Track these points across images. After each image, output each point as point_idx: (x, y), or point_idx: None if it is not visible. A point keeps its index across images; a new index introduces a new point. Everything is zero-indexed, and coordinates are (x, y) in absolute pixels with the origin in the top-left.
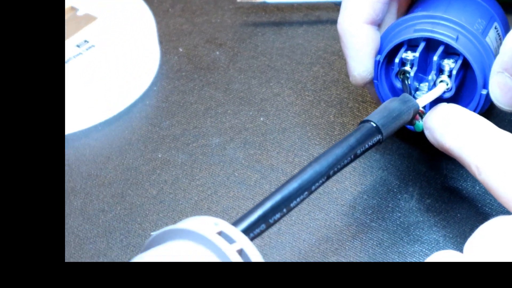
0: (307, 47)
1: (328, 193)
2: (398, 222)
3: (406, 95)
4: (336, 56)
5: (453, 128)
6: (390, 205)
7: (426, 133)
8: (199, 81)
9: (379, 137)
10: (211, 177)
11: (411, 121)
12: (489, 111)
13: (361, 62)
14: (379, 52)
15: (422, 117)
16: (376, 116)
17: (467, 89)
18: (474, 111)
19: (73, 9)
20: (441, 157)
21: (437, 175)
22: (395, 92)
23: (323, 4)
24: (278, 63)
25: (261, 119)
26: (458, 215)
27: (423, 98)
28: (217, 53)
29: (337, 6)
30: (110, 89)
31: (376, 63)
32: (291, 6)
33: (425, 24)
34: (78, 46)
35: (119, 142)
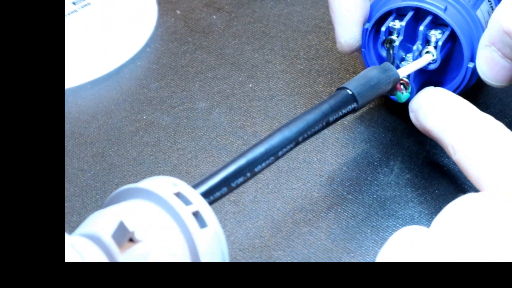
0: (304, 15)
1: (308, 163)
2: (375, 196)
3: (387, 64)
4: (331, 25)
5: (435, 110)
6: (368, 178)
7: (411, 115)
8: (193, 45)
9: (354, 105)
10: (193, 141)
11: (392, 91)
12: (480, 88)
13: (348, 29)
14: (368, 20)
15: (406, 88)
16: (353, 84)
17: (454, 62)
18: (460, 84)
19: None
20: None
21: (419, 150)
22: (383, 61)
23: None
24: (274, 30)
25: (250, 85)
26: (436, 191)
27: (405, 68)
28: (214, 17)
29: None
30: (102, 49)
31: (364, 31)
32: None
33: None
34: (74, 3)
35: (106, 102)
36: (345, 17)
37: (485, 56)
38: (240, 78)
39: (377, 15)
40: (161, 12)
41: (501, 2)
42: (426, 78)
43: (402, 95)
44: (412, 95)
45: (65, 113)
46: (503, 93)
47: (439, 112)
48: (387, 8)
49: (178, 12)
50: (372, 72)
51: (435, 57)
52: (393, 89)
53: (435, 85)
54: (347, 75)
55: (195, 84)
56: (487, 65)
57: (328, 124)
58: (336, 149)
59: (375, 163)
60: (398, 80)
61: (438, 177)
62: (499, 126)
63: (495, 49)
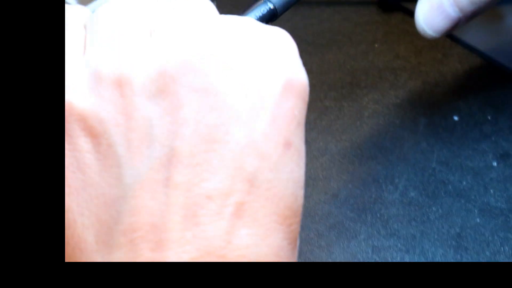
0: (319, 28)
1: (314, 180)
2: (378, 215)
3: None
4: (347, 38)
5: None
6: (373, 196)
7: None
8: None
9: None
10: None
11: None
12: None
13: None
14: None
15: None
16: None
17: None
18: None
19: None
20: (433, 149)
21: (426, 167)
22: None
23: None
24: None
25: None
26: (440, 210)
27: None
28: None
29: None
30: None
31: None
32: None
33: None
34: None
35: None
36: None
37: (432, 2)
38: None
39: None
40: None
41: None
42: None
43: None
44: None
45: None
46: None
47: None
48: None
49: None
50: None
51: None
52: None
53: None
54: (358, 90)
55: None
56: (432, 11)
57: None
58: (342, 166)
59: (380, 180)
60: None
61: (442, 196)
62: None
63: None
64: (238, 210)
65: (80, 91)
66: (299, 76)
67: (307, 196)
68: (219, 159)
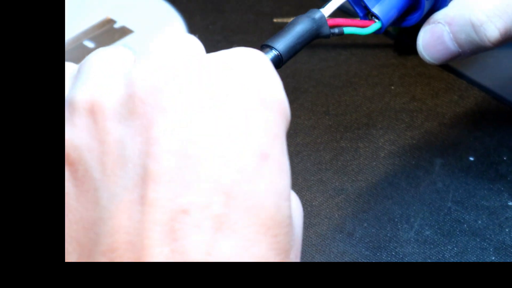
0: (336, 70)
1: (329, 219)
2: (393, 253)
3: (312, 9)
4: (364, 81)
5: None
6: (388, 234)
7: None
8: None
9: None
10: None
11: (328, 35)
12: None
13: None
14: None
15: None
16: (279, 43)
17: None
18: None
19: (110, 21)
20: (448, 189)
21: (441, 207)
22: None
23: None
24: (306, 85)
25: None
26: (455, 249)
27: (328, 6)
28: None
29: None
30: None
31: None
32: None
33: None
34: None
35: None
36: None
37: (433, 31)
38: None
39: None
40: None
41: None
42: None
43: (370, 27)
44: (388, 21)
45: None
46: None
47: None
48: None
49: None
50: (298, 26)
51: None
52: (329, 33)
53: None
54: (374, 131)
55: None
56: (432, 41)
57: None
58: (358, 205)
59: (396, 219)
60: (324, 20)
61: (457, 234)
62: None
63: (448, 30)
64: (216, 223)
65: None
66: (274, 90)
67: (322, 235)
68: (193, 174)
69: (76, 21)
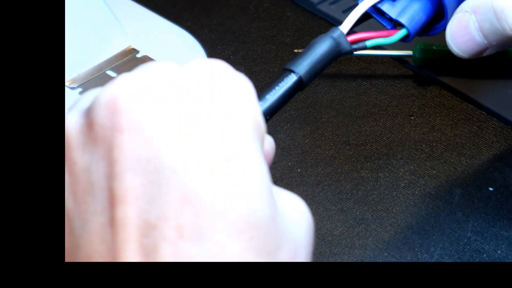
0: (357, 100)
1: (350, 248)
2: None
3: (333, 28)
4: (384, 111)
5: None
6: None
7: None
8: None
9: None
10: None
11: (350, 51)
12: None
13: None
14: None
15: (394, 27)
16: (299, 66)
17: None
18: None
19: (133, 50)
20: (468, 219)
21: (461, 237)
22: None
23: (380, 58)
24: (326, 115)
25: (298, 170)
26: None
27: (346, 22)
28: None
29: (394, 61)
30: None
31: None
32: (348, 58)
33: None
34: None
35: None
36: None
37: (460, 20)
38: (290, 163)
39: None
40: None
41: None
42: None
43: (394, 36)
44: (415, 28)
45: None
46: None
47: None
48: None
49: None
50: (318, 48)
51: None
52: (350, 50)
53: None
54: (394, 161)
55: None
56: (458, 31)
57: None
58: (378, 235)
59: (416, 249)
60: (344, 36)
61: None
62: None
63: (474, 19)
64: (183, 232)
65: None
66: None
67: None
68: (157, 187)
69: (99, 50)
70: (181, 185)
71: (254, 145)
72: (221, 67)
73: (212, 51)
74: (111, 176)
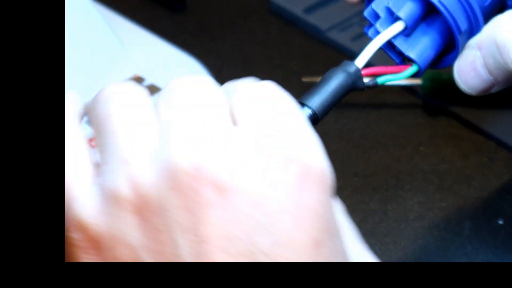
0: (366, 130)
1: None
2: None
3: (346, 62)
4: (393, 141)
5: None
6: None
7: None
8: None
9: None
10: None
11: (363, 88)
12: None
13: None
14: None
15: (378, 76)
16: (313, 100)
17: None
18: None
19: (139, 79)
20: (477, 252)
21: None
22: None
23: (389, 87)
24: (335, 145)
25: None
26: None
27: (361, 57)
28: None
29: (403, 90)
30: None
31: None
32: None
33: None
34: None
35: None
36: None
37: (467, 57)
38: None
39: None
40: None
41: (505, 13)
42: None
43: (405, 72)
44: (426, 63)
45: None
46: None
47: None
48: None
49: None
50: (331, 82)
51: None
52: (363, 86)
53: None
54: (403, 193)
55: None
56: (464, 67)
57: None
58: None
59: None
60: (359, 71)
61: None
62: None
63: (479, 55)
64: None
65: (93, 212)
66: (317, 160)
67: None
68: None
69: (105, 77)
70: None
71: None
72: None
73: (219, 78)
74: (200, 252)
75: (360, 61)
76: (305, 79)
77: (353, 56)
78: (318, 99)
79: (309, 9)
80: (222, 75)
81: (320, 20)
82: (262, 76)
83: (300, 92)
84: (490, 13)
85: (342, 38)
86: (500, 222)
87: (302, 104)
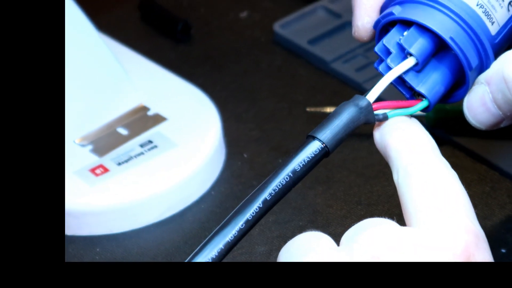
0: (369, 160)
1: None
2: None
3: (357, 96)
4: None
5: (402, 131)
6: None
7: (375, 133)
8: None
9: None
10: None
11: (373, 122)
12: None
13: (368, 12)
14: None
15: (387, 113)
16: (325, 134)
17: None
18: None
19: (144, 108)
20: None
21: None
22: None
23: None
24: (338, 174)
25: (310, 230)
26: None
27: (372, 92)
28: (280, 161)
29: None
30: (167, 192)
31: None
32: None
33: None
34: (141, 146)
35: (167, 245)
36: (365, 2)
37: (476, 92)
38: (301, 223)
39: (381, 24)
40: (228, 155)
41: None
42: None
43: (415, 107)
44: (435, 99)
45: (127, 254)
46: None
47: (404, 135)
48: (390, 18)
49: (245, 155)
50: (343, 116)
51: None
52: (373, 120)
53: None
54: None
55: (255, 228)
56: (474, 103)
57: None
58: None
59: None
60: (370, 106)
61: None
62: (452, 175)
63: (488, 90)
64: None
65: None
66: None
67: None
68: None
69: (110, 107)
70: None
71: None
72: None
73: (223, 109)
74: None
75: (372, 95)
76: (309, 109)
77: (357, 86)
78: (329, 133)
79: (314, 40)
80: (226, 105)
81: (324, 51)
82: (267, 106)
83: (304, 122)
84: (500, 49)
85: (346, 69)
86: (503, 251)
87: (313, 138)
